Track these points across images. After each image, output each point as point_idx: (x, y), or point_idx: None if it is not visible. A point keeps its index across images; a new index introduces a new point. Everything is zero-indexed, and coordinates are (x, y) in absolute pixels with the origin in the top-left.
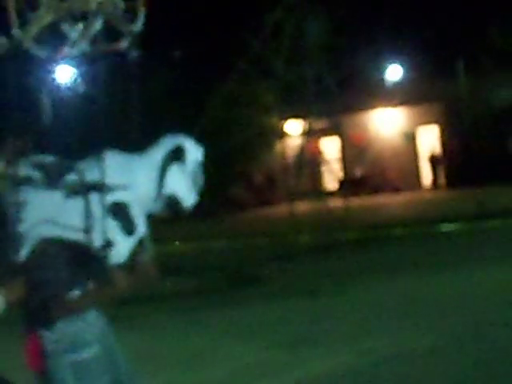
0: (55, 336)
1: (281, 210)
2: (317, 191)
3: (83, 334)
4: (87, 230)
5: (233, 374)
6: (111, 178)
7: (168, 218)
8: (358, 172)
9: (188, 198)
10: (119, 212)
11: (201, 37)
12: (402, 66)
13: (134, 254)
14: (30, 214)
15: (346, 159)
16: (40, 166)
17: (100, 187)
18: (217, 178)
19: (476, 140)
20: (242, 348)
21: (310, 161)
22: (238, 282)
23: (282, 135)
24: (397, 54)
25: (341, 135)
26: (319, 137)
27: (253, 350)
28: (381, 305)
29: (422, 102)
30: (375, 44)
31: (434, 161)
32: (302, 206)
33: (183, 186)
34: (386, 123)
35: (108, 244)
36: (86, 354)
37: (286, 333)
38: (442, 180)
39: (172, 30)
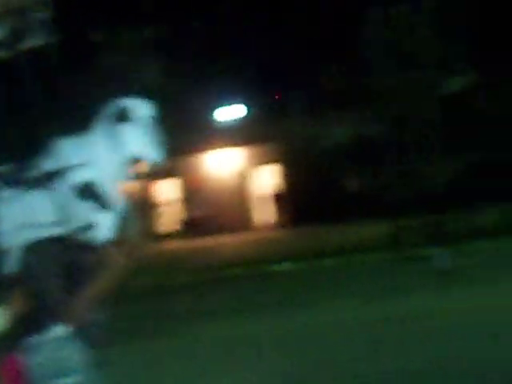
0: (38, 359)
1: None
2: (154, 233)
3: (67, 361)
4: (64, 221)
5: None
6: (68, 161)
7: None
8: (197, 213)
9: (150, 154)
10: (88, 192)
11: None
12: (240, 106)
13: (119, 229)
14: (4, 223)
15: (186, 201)
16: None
17: (61, 172)
18: None
19: (313, 179)
20: None
21: (146, 203)
22: None
23: None
24: (234, 96)
25: (180, 177)
26: (158, 179)
27: None
28: (215, 346)
29: (260, 142)
30: (212, 86)
31: (272, 200)
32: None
33: (141, 144)
34: (223, 164)
35: (88, 226)
36: (69, 381)
37: (116, 376)
38: (280, 219)
39: None
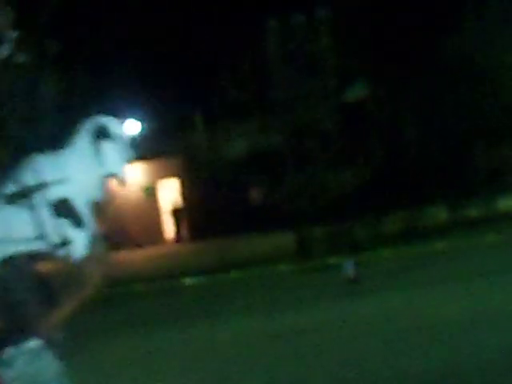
0: (13, 373)
1: None
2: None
3: (43, 373)
4: (40, 236)
5: None
6: (44, 177)
7: None
8: (102, 228)
9: (124, 173)
10: (64, 208)
11: None
12: (140, 120)
13: (92, 245)
14: None
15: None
16: None
17: (38, 188)
18: None
19: (216, 192)
20: None
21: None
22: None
23: None
24: (134, 109)
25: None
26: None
27: None
28: (122, 362)
29: (161, 155)
30: (111, 100)
31: (175, 214)
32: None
33: (118, 162)
34: (128, 178)
35: (64, 242)
36: None
37: None
38: (184, 233)
39: None
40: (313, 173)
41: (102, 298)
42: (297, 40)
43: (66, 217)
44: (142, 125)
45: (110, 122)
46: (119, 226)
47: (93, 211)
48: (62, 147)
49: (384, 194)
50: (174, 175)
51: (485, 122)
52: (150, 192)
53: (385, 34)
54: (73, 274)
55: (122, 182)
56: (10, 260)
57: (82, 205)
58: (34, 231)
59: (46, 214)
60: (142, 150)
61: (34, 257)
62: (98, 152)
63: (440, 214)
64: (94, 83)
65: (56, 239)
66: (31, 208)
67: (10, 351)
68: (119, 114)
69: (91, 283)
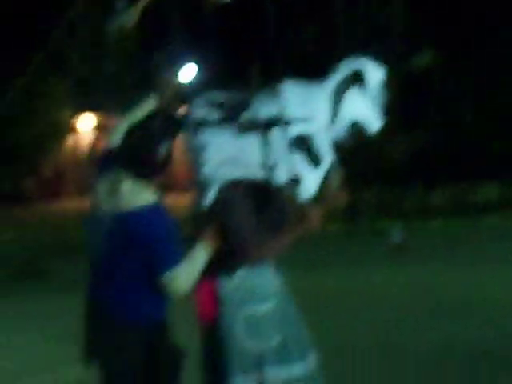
0: (234, 285)
1: (70, 204)
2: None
3: (263, 288)
4: (271, 167)
5: (13, 365)
6: (291, 111)
7: None
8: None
9: (372, 123)
10: (303, 145)
11: None
12: (197, 67)
13: (322, 186)
14: (211, 156)
15: None
16: (216, 105)
17: (280, 122)
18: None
19: None
20: (22, 340)
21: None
22: (22, 275)
23: (75, 129)
24: (192, 56)
25: None
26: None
27: (33, 342)
28: None
29: None
30: (171, 44)
31: None
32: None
33: (366, 111)
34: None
35: (295, 180)
36: (263, 308)
37: (68, 326)
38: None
39: None
40: (369, 136)
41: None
42: (364, 2)
43: (303, 154)
44: (199, 72)
45: (368, 68)
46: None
47: (331, 155)
48: (315, 84)
49: (437, 165)
50: None
51: None
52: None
53: (451, 5)
54: (296, 209)
55: (363, 131)
56: (237, 183)
57: (321, 146)
58: (268, 161)
59: (283, 148)
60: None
61: (260, 184)
62: (344, 95)
63: (492, 191)
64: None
65: (288, 174)
66: (270, 138)
67: (230, 265)
68: (178, 58)
69: (311, 222)
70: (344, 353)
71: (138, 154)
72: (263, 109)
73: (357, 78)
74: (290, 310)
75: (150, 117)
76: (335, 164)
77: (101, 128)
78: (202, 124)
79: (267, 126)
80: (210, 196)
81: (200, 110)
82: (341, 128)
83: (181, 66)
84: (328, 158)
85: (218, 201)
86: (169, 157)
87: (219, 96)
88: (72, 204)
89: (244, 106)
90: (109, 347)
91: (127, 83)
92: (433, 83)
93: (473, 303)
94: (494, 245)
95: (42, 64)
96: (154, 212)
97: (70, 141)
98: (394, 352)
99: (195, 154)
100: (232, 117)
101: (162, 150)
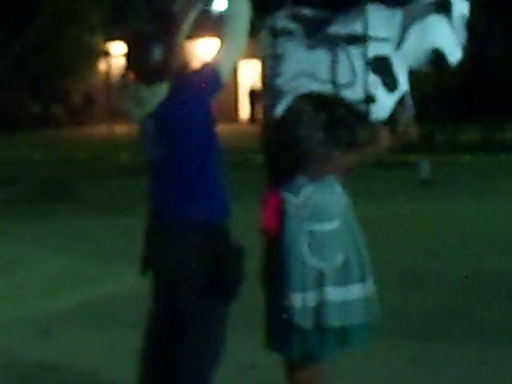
0: (300, 200)
1: (100, 129)
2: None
3: (328, 206)
4: (348, 85)
5: (43, 283)
6: (374, 31)
7: None
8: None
9: (453, 52)
10: (381, 67)
11: None
12: None
13: (395, 112)
14: (288, 67)
15: None
16: (298, 18)
17: (362, 40)
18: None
19: None
20: (52, 259)
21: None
22: (51, 195)
23: (107, 55)
24: None
25: None
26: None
27: (63, 261)
28: None
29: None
30: None
31: (253, 95)
32: (123, 127)
33: (448, 39)
34: (208, 54)
35: (369, 99)
36: (327, 226)
37: (98, 247)
38: (260, 115)
39: None
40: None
41: None
42: None
43: (380, 75)
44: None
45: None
46: None
47: (408, 79)
48: (401, 6)
49: (468, 102)
50: (256, 56)
51: None
52: (236, 69)
53: None
54: (370, 131)
55: (443, 59)
56: (310, 96)
57: (399, 71)
58: (343, 78)
59: (361, 66)
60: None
61: (333, 100)
62: (433, 23)
63: None
64: None
65: (363, 93)
66: (349, 55)
67: (299, 179)
68: None
69: (381, 144)
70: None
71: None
72: (345, 26)
73: (443, 6)
74: (354, 231)
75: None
76: (409, 94)
77: None
78: (281, 33)
79: (350, 42)
80: (282, 106)
81: (281, 20)
82: (420, 54)
83: None
84: (404, 83)
85: (289, 111)
86: (165, 60)
87: (301, 10)
88: (101, 130)
89: (326, 22)
90: (172, 252)
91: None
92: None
93: (495, 234)
94: None
95: None
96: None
97: (101, 66)
98: (423, 278)
99: (272, 63)
100: (312, 31)
101: (155, 55)
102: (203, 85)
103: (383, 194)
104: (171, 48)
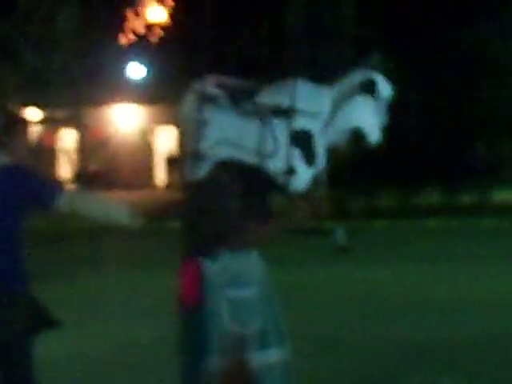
0: (220, 268)
1: None
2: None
3: (246, 272)
4: (270, 156)
5: None
6: (301, 105)
7: None
8: (93, 166)
9: (373, 133)
10: (303, 140)
11: None
12: (145, 65)
13: (310, 186)
14: (212, 133)
15: (83, 152)
16: (225, 86)
17: (288, 112)
18: None
19: None
20: None
21: (46, 150)
22: None
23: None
24: (140, 53)
25: (80, 127)
26: (58, 126)
27: None
28: (110, 294)
29: (162, 101)
30: (119, 41)
31: (170, 161)
32: None
33: (370, 121)
34: (125, 120)
35: (290, 171)
36: (246, 292)
37: None
38: (176, 180)
39: None
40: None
41: (92, 230)
42: (318, 7)
43: (302, 149)
44: (148, 70)
45: (379, 80)
46: (114, 167)
47: (327, 155)
48: (327, 83)
49: (382, 169)
50: (172, 122)
51: (490, 114)
52: (147, 136)
53: (400, 11)
54: (290, 201)
55: (363, 139)
56: (230, 165)
57: (320, 145)
58: (265, 148)
59: (284, 138)
60: (144, 93)
61: (252, 170)
62: (350, 101)
63: (434, 196)
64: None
65: (283, 165)
66: (273, 127)
67: (216, 247)
68: (126, 55)
69: (300, 216)
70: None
71: None
72: (272, 98)
73: (368, 88)
74: (271, 297)
75: None
76: (325, 171)
77: (47, 121)
78: (208, 99)
79: (273, 113)
80: (202, 171)
81: (209, 86)
82: (342, 132)
83: (127, 63)
84: (322, 160)
85: (209, 178)
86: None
87: (228, 79)
88: None
89: (252, 92)
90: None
91: (76, 77)
92: None
93: (409, 300)
94: (434, 245)
95: None
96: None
97: None
98: (336, 345)
99: (195, 127)
100: (239, 100)
101: None
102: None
103: (298, 261)
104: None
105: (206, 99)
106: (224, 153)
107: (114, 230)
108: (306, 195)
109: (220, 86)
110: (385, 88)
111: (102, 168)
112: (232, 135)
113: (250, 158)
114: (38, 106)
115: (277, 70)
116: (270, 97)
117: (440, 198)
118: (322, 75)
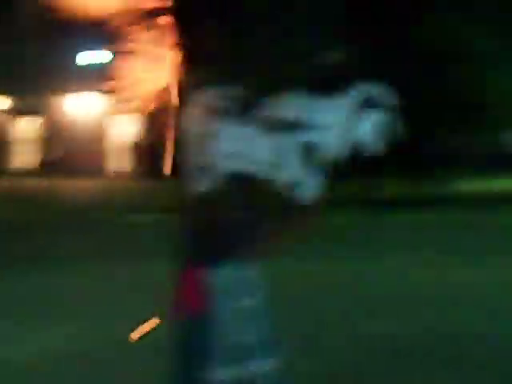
0: (222, 277)
1: None
2: (5, 169)
3: (249, 282)
4: (277, 168)
5: None
6: (306, 118)
7: None
8: (55, 154)
9: (374, 146)
10: (309, 153)
11: None
12: (105, 52)
13: (316, 198)
14: (219, 145)
15: (46, 140)
16: (233, 98)
17: (295, 125)
18: None
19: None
20: None
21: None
22: None
23: None
24: (98, 41)
25: (42, 116)
26: (19, 115)
27: None
28: (82, 289)
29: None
30: (78, 30)
31: (132, 149)
32: None
33: (371, 134)
34: (85, 108)
35: (295, 184)
36: (248, 302)
37: None
38: (138, 169)
39: None
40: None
41: (57, 221)
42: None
43: (306, 160)
44: (108, 57)
45: (381, 94)
46: (74, 154)
47: (330, 168)
48: (331, 97)
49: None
50: (132, 111)
51: (452, 107)
52: (107, 124)
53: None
54: (290, 210)
55: (368, 151)
56: (236, 177)
57: (325, 156)
58: (272, 161)
59: (290, 151)
60: (104, 81)
61: (255, 182)
62: (355, 116)
63: (394, 188)
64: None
65: (289, 177)
66: (278, 140)
67: (220, 257)
68: (87, 43)
69: (302, 224)
70: None
71: None
72: (279, 110)
73: (371, 102)
74: (266, 305)
75: None
76: (325, 183)
77: (9, 111)
78: (215, 111)
79: (281, 125)
80: (206, 185)
81: (215, 98)
82: (344, 145)
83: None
84: (325, 172)
85: (212, 191)
86: None
87: (236, 90)
88: None
89: (259, 104)
90: None
91: (42, 68)
92: (348, 81)
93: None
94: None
95: None
96: None
97: None
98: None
99: (201, 139)
100: (246, 112)
101: None
102: None
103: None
104: None
105: (213, 112)
106: (232, 165)
107: (87, 222)
108: (311, 207)
109: (226, 97)
110: (387, 102)
111: (64, 156)
112: (240, 148)
113: (257, 171)
114: (3, 94)
115: (284, 82)
116: (277, 108)
117: (400, 190)
118: (326, 86)
